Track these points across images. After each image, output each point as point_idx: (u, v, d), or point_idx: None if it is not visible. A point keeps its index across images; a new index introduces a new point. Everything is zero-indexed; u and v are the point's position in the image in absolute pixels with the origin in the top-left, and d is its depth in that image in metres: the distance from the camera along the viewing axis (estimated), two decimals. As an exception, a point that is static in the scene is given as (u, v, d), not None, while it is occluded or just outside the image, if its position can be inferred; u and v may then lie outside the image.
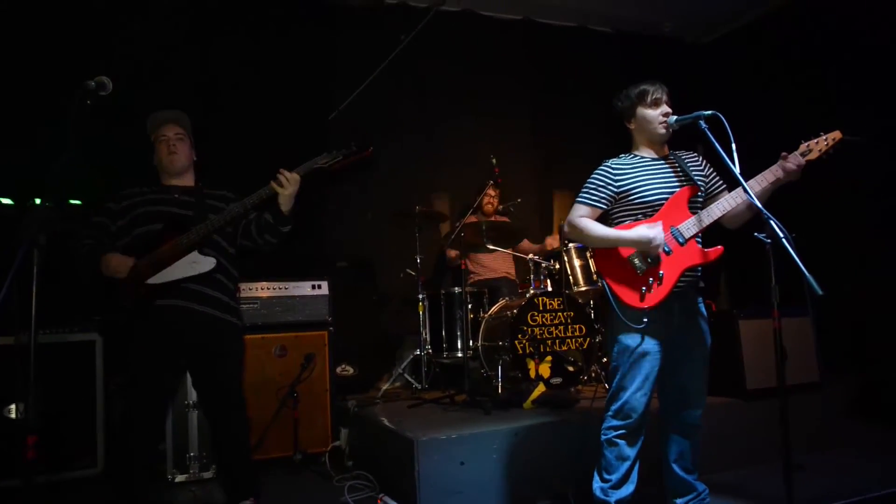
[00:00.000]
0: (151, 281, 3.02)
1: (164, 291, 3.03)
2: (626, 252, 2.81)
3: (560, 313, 4.54)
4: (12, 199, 4.30)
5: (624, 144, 3.04)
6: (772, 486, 3.53)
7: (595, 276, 4.87)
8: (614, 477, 2.83)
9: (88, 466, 3.94)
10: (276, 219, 3.16)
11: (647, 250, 2.74)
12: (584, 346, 4.56)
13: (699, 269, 2.88)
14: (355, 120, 5.59)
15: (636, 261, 2.77)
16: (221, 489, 3.39)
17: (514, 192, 5.61)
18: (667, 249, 2.76)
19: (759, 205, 2.42)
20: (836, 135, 2.68)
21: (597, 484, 2.88)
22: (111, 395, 4.03)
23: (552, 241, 5.23)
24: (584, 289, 4.82)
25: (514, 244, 5.27)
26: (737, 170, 2.52)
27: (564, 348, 4.49)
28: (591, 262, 4.90)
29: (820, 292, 2.06)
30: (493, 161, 4.66)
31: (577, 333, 4.55)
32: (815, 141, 2.70)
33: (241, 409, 3.27)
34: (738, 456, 3.84)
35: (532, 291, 4.68)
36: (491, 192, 5.36)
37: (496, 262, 5.56)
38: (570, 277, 4.84)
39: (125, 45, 4.76)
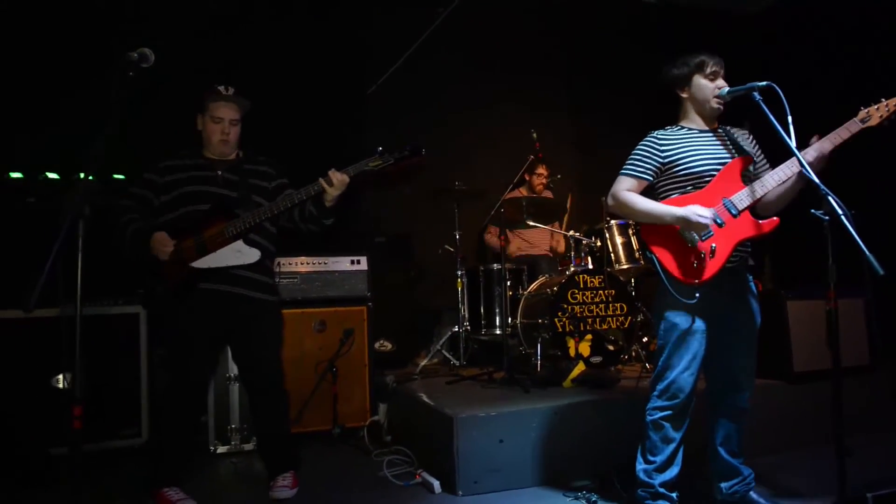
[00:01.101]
0: (196, 265, 3.03)
1: (207, 276, 3.05)
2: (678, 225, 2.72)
3: (601, 291, 4.46)
4: (59, 175, 4.37)
5: (665, 121, 2.93)
6: (818, 471, 3.44)
7: (637, 253, 4.79)
8: (659, 459, 2.77)
9: (133, 436, 4.02)
10: (319, 212, 3.15)
11: (693, 229, 2.65)
12: (625, 326, 4.48)
13: (749, 245, 2.79)
14: (393, 95, 5.53)
15: (687, 233, 2.68)
16: (262, 461, 3.42)
17: (555, 168, 5.52)
18: (719, 222, 2.67)
19: (816, 179, 2.31)
20: None
21: (640, 466, 2.82)
22: (155, 367, 4.09)
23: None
24: (625, 266, 4.74)
25: (554, 220, 5.19)
26: (793, 143, 2.41)
27: (605, 327, 4.42)
28: (632, 240, 4.81)
29: (881, 272, 1.96)
30: (534, 136, 4.58)
31: (618, 312, 4.47)
32: (876, 107, 2.56)
33: (279, 384, 3.29)
34: (783, 439, 3.74)
35: (573, 269, 4.61)
36: (541, 169, 5.28)
37: (536, 239, 5.49)
38: (612, 255, 4.76)
39: (162, 19, 4.75)
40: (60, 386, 3.89)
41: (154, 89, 3.93)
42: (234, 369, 4.01)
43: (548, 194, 5.45)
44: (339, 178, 3.01)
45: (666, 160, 2.77)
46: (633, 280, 4.80)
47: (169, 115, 4.01)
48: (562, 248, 5.60)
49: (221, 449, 4.04)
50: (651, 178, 2.80)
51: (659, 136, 2.81)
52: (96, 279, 4.27)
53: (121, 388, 4.01)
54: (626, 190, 2.80)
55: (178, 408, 3.12)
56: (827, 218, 2.22)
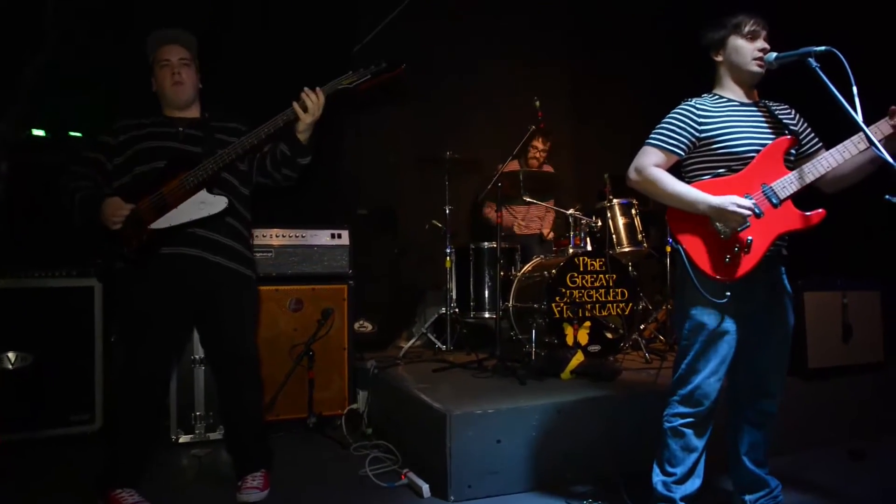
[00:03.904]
0: (155, 226, 2.63)
1: (169, 237, 2.66)
2: None
3: (602, 275, 4.15)
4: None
5: (678, 95, 2.57)
6: (835, 473, 3.24)
7: (640, 235, 4.48)
8: (679, 470, 2.46)
9: (86, 423, 3.64)
10: (293, 149, 2.76)
11: (729, 221, 2.31)
12: (626, 313, 4.18)
13: (786, 237, 2.45)
14: (382, 54, 5.10)
15: (720, 224, 2.34)
16: (229, 457, 3.06)
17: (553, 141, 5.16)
18: (758, 212, 2.33)
19: (890, 159, 1.98)
20: None
21: (658, 477, 2.51)
22: (111, 347, 3.69)
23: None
24: (627, 249, 4.43)
25: (553, 197, 4.85)
26: (860, 116, 2.08)
27: (605, 313, 4.13)
28: (636, 220, 4.49)
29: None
30: (537, 104, 4.20)
31: (618, 298, 4.18)
32: None
33: (254, 371, 2.93)
34: (797, 439, 3.46)
35: (572, 250, 4.28)
36: (538, 143, 4.90)
37: (531, 217, 5.15)
38: (613, 236, 4.43)
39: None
40: (10, 366, 3.49)
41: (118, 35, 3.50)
42: (200, 351, 3.63)
43: (548, 168, 5.08)
44: (313, 98, 2.63)
45: (703, 134, 2.41)
46: (630, 264, 4.48)
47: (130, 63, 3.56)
48: (548, 231, 5.25)
49: (184, 438, 3.66)
50: (683, 154, 2.44)
51: (697, 106, 2.44)
52: (47, 248, 3.91)
53: (73, 369, 3.62)
54: (654, 165, 2.43)
55: (135, 397, 2.73)
56: (907, 205, 1.89)
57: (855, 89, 2.11)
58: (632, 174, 2.49)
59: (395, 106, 5.05)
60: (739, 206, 2.26)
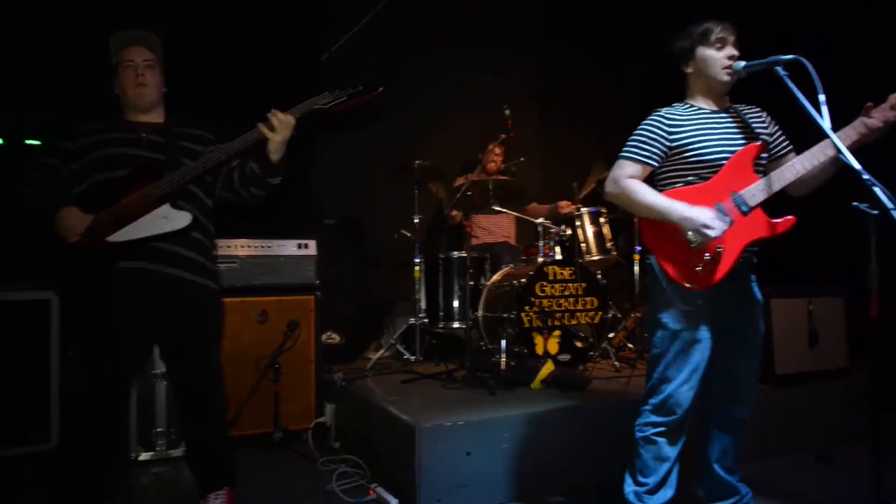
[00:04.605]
0: (113, 238, 2.53)
1: (129, 251, 2.53)
2: None
3: (571, 284, 4.14)
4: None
5: (647, 103, 2.57)
6: (803, 479, 3.26)
7: (609, 244, 4.48)
8: (651, 480, 2.43)
9: (41, 441, 3.51)
10: (263, 168, 2.66)
11: (699, 232, 2.29)
12: (596, 321, 4.17)
13: (757, 244, 2.45)
14: (351, 63, 5.06)
15: (691, 234, 2.33)
16: (191, 474, 2.96)
17: (517, 150, 5.13)
18: (728, 221, 2.33)
19: (858, 165, 1.99)
20: None
21: (630, 488, 2.48)
22: (68, 363, 3.57)
23: (566, 205, 4.78)
24: (596, 258, 4.43)
25: (521, 206, 4.83)
26: (827, 123, 2.09)
27: (574, 322, 4.11)
28: (604, 229, 4.49)
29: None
30: (507, 112, 4.19)
31: (588, 307, 4.17)
32: None
33: (217, 386, 2.83)
34: (766, 445, 3.46)
35: (541, 259, 4.26)
36: (496, 149, 4.89)
37: (498, 226, 5.13)
38: (583, 245, 4.43)
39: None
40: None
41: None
42: (161, 365, 3.52)
43: (506, 178, 5.06)
44: (281, 119, 2.53)
45: (674, 143, 2.41)
46: (599, 273, 4.47)
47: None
48: (513, 240, 5.23)
49: (144, 456, 3.55)
50: (656, 164, 2.43)
51: (667, 115, 2.44)
52: (2, 260, 3.77)
53: (28, 386, 3.49)
54: (630, 177, 2.42)
55: (93, 415, 2.61)
56: (875, 212, 1.89)
57: (822, 97, 2.13)
58: (609, 186, 2.48)
59: (364, 114, 5.00)
60: (707, 229, 2.25)
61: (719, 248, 2.30)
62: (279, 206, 4.10)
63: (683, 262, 2.35)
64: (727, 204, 2.34)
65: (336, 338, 4.71)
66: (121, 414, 3.02)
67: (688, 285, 2.34)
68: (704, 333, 2.38)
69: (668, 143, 2.41)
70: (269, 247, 4.00)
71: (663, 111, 2.46)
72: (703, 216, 2.26)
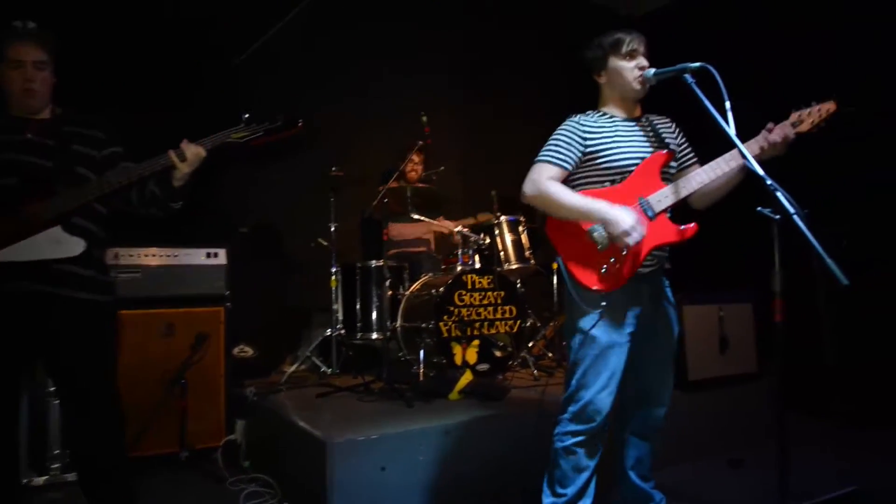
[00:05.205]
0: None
1: (13, 272, 2.33)
2: (587, 223, 2.35)
3: (490, 293, 4.11)
4: None
5: (566, 113, 2.57)
6: (716, 483, 3.32)
7: (528, 252, 4.48)
8: (570, 491, 2.41)
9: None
10: (164, 192, 2.51)
11: (616, 233, 2.28)
12: (515, 330, 4.16)
13: (667, 248, 2.49)
14: (267, 66, 4.91)
15: (596, 234, 2.33)
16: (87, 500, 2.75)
17: (438, 160, 5.09)
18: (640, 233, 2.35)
19: (762, 171, 2.02)
20: (831, 106, 2.32)
21: (549, 499, 2.46)
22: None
23: (484, 217, 4.75)
24: (515, 266, 4.41)
25: (440, 213, 4.77)
26: (732, 130, 2.12)
27: (493, 331, 4.08)
28: (522, 237, 4.49)
29: (845, 282, 1.68)
30: (424, 119, 4.14)
31: (507, 315, 4.15)
32: (808, 111, 2.34)
33: (112, 405, 2.63)
34: (679, 451, 3.53)
35: (460, 267, 4.22)
36: (415, 156, 4.83)
37: (417, 234, 5.06)
38: (501, 253, 4.41)
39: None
40: None
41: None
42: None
43: (425, 185, 5.01)
44: (192, 152, 2.42)
45: (588, 149, 2.42)
46: (518, 281, 4.46)
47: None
48: (434, 248, 5.20)
49: (37, 481, 3.29)
50: (571, 168, 2.44)
51: (582, 122, 2.45)
52: None
53: None
54: (549, 179, 2.40)
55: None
56: (778, 217, 1.93)
57: (728, 104, 2.17)
58: (528, 189, 2.45)
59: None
60: (626, 236, 2.23)
61: (624, 250, 2.32)
62: (188, 213, 3.92)
63: (590, 264, 2.37)
64: (634, 208, 2.36)
65: (249, 351, 4.52)
66: (9, 436, 2.78)
67: (593, 288, 2.35)
68: (621, 338, 2.39)
69: (582, 149, 2.42)
70: (176, 255, 3.81)
71: (578, 118, 2.48)
72: (625, 222, 2.24)
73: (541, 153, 2.46)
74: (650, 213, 2.38)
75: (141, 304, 3.63)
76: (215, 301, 3.85)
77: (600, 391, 2.37)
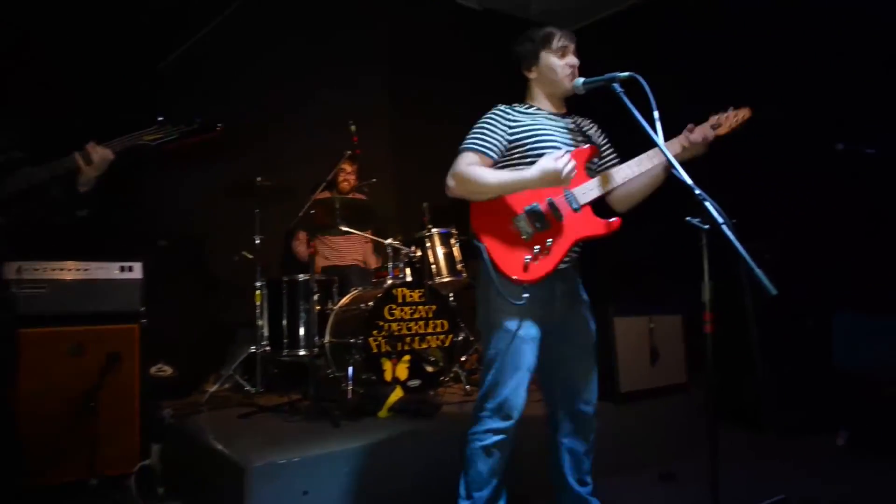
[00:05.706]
0: None
1: None
2: (513, 212, 2.34)
3: (421, 307, 4.03)
4: None
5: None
6: (647, 497, 3.30)
7: (460, 265, 4.40)
8: (485, 494, 2.38)
9: None
10: (71, 198, 2.36)
11: (558, 184, 2.26)
12: (447, 344, 4.08)
13: (580, 246, 2.48)
14: (193, 73, 4.73)
15: (522, 223, 2.33)
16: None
17: (370, 173, 5.00)
18: (558, 215, 2.36)
19: (690, 180, 2.01)
20: (746, 112, 2.43)
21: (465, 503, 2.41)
22: None
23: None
24: (447, 280, 4.32)
25: (371, 226, 4.66)
26: (660, 138, 2.12)
27: (424, 346, 3.99)
28: (454, 250, 4.41)
29: (774, 292, 1.67)
30: (353, 129, 4.04)
31: (438, 329, 4.07)
32: (725, 115, 2.42)
33: (7, 432, 2.43)
34: (610, 463, 3.45)
35: (390, 281, 4.12)
36: (347, 166, 4.72)
37: (348, 247, 4.94)
38: (433, 266, 4.32)
39: None
40: None
41: None
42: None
43: (358, 196, 4.91)
44: (99, 154, 2.29)
45: (514, 137, 2.41)
46: (450, 294, 4.39)
47: None
48: (373, 260, 5.10)
49: (-75, 516, 3.02)
50: (496, 157, 2.41)
51: (507, 111, 2.45)
52: None
53: None
54: (470, 164, 2.36)
55: None
56: (706, 226, 1.91)
57: (656, 113, 2.17)
58: (450, 180, 2.40)
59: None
60: (553, 167, 2.20)
61: (549, 240, 2.32)
62: (101, 225, 3.71)
63: (513, 253, 2.34)
64: (559, 199, 2.37)
65: (168, 370, 4.30)
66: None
67: (515, 278, 2.31)
68: (535, 332, 2.38)
69: (507, 138, 2.41)
70: (87, 270, 3.56)
71: (503, 107, 2.48)
72: (546, 163, 2.21)
73: (465, 141, 2.44)
74: (575, 206, 2.39)
75: (46, 321, 3.38)
76: (129, 318, 3.61)
77: (517, 387, 2.35)
